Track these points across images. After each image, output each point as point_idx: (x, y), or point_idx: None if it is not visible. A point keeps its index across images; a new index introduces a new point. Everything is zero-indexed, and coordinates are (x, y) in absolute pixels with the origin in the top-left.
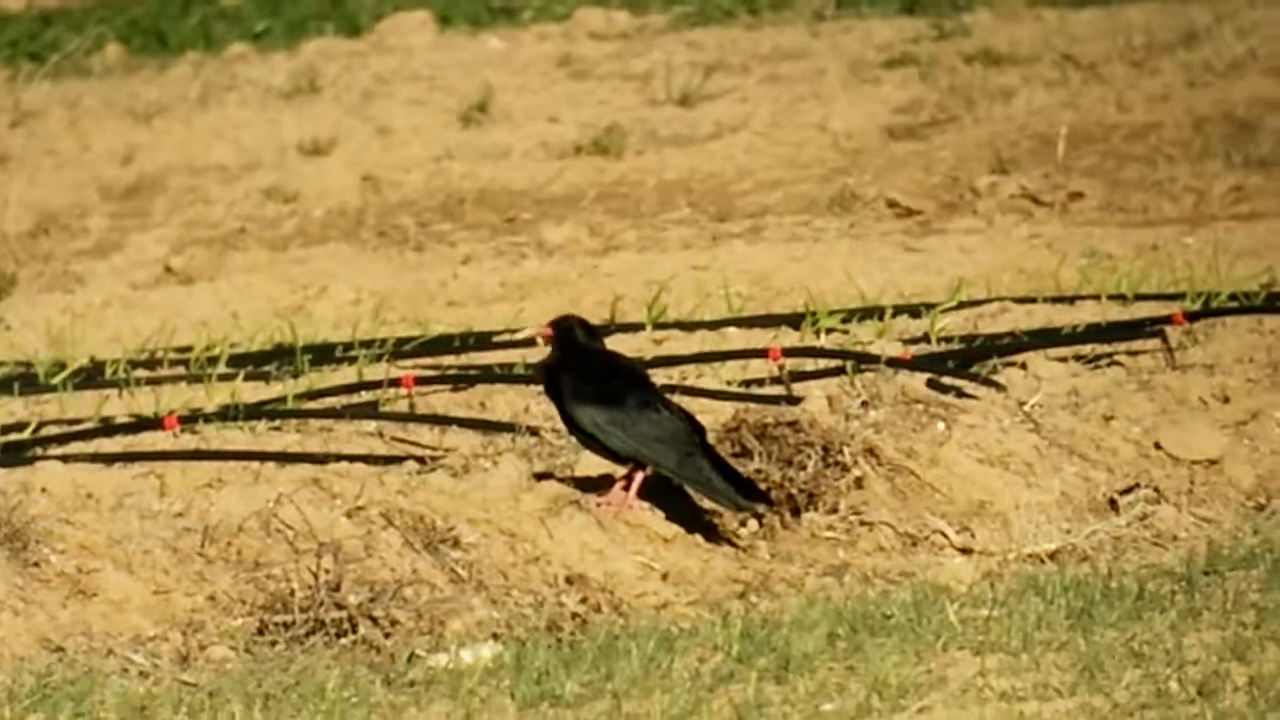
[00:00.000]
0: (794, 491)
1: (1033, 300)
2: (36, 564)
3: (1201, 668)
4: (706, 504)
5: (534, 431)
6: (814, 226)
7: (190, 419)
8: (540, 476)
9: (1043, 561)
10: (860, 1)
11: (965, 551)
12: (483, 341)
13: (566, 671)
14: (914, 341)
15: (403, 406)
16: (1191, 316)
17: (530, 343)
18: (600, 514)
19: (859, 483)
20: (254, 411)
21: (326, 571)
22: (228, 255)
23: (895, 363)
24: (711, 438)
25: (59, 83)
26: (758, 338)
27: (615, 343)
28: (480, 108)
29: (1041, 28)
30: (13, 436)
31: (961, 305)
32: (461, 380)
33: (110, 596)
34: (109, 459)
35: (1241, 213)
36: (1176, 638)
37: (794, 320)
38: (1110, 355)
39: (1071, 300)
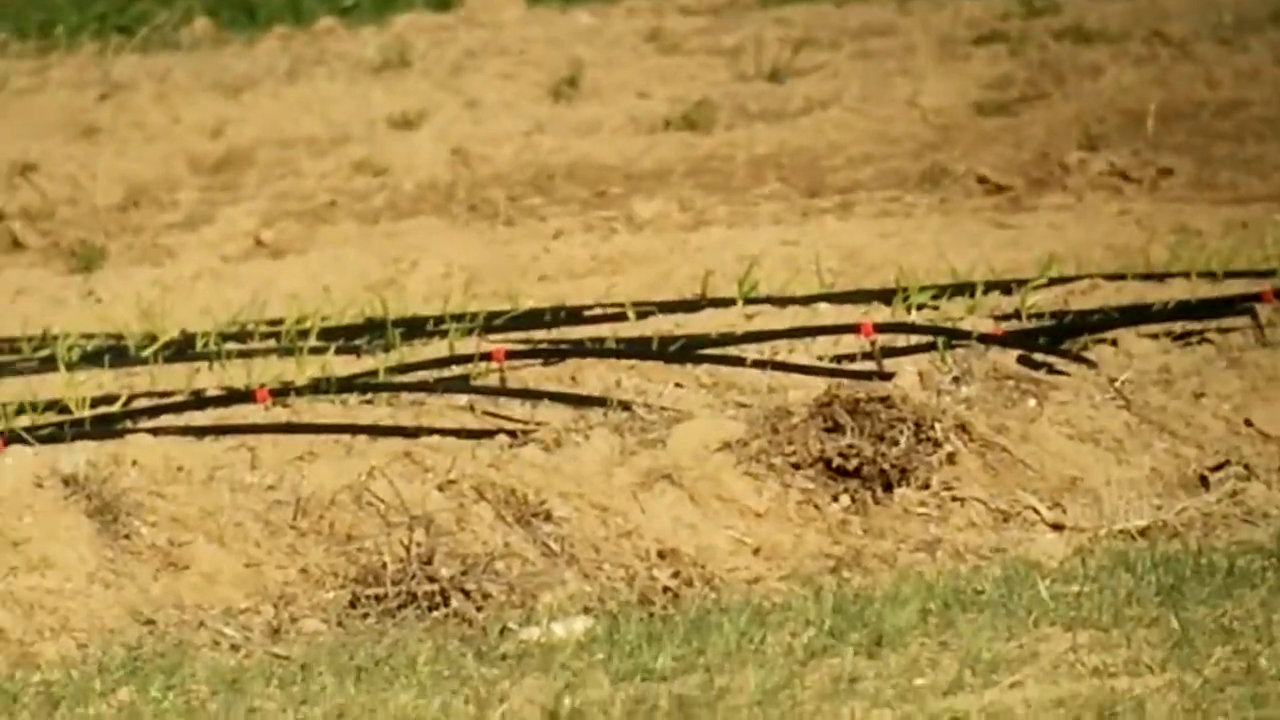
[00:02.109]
0: (886, 467)
1: (1122, 277)
2: (127, 536)
3: None
4: (799, 479)
5: (626, 406)
6: (904, 202)
7: (281, 392)
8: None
9: (1133, 538)
10: None
11: (1056, 527)
12: (574, 316)
13: (659, 645)
14: (1005, 318)
15: (494, 380)
16: None
17: (621, 316)
18: (693, 488)
19: (951, 458)
20: (345, 385)
21: (418, 545)
22: (318, 228)
23: (986, 339)
24: (803, 413)
25: (147, 56)
26: (849, 313)
27: (706, 319)
28: (570, 82)
29: (1131, 5)
30: (103, 409)
31: (1052, 282)
32: (553, 354)
33: (201, 569)
34: (200, 432)
35: None
36: (1266, 614)
37: (885, 296)
38: (1200, 332)
39: (1161, 277)
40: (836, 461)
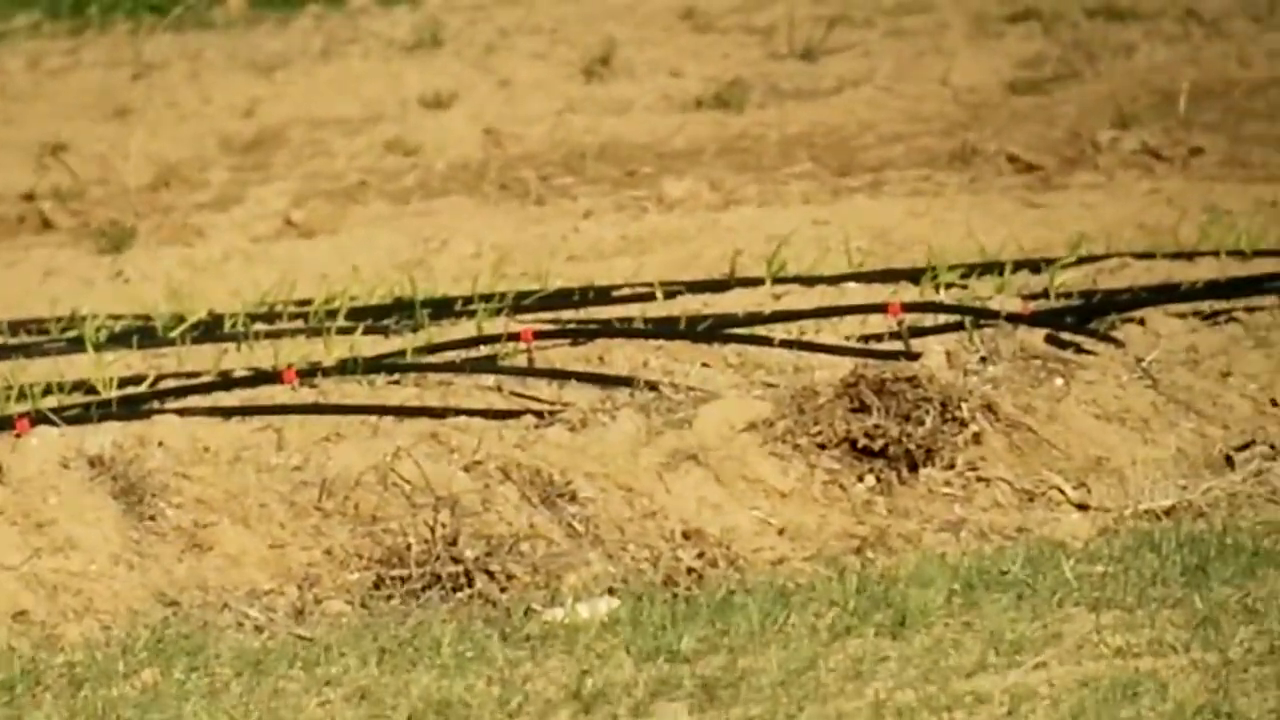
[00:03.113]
0: (911, 447)
1: (1152, 256)
2: (152, 517)
3: None
4: (825, 459)
5: (653, 386)
6: (935, 181)
7: (309, 373)
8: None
9: (1158, 518)
10: None
11: (1081, 507)
12: (602, 296)
13: (683, 626)
14: (1033, 297)
15: (521, 361)
16: None
17: (650, 296)
18: (718, 468)
19: (976, 438)
20: (373, 365)
21: (443, 525)
22: (349, 208)
23: (1014, 318)
24: (830, 393)
25: (180, 35)
26: (877, 293)
27: (734, 299)
28: (602, 61)
29: None
30: (130, 390)
31: (1081, 261)
32: (580, 334)
33: (226, 550)
34: (226, 412)
35: None
36: None
37: (914, 275)
38: (1229, 312)
39: (1190, 256)
40: (862, 442)
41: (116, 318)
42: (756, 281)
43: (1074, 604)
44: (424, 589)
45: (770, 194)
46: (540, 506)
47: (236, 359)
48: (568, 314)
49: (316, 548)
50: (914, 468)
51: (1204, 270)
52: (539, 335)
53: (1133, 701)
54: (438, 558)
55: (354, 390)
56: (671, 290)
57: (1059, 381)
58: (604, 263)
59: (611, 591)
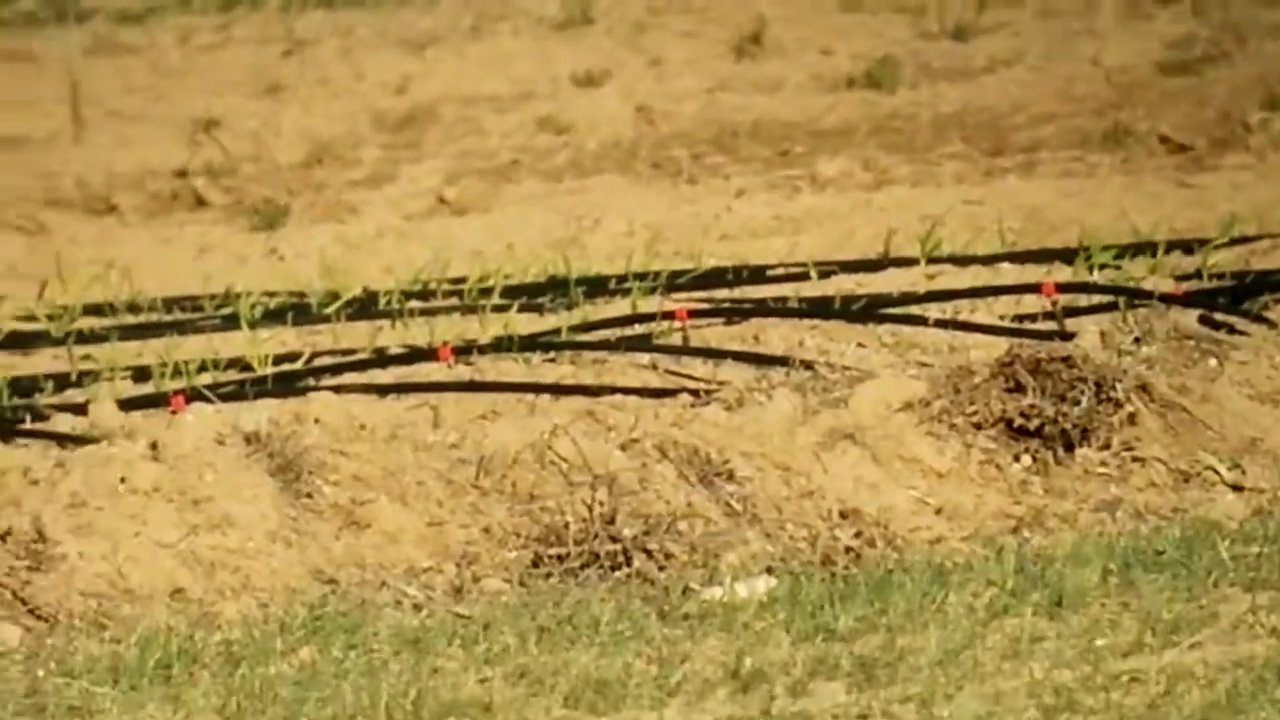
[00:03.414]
0: (1067, 427)
1: None
2: (309, 495)
3: None
4: (981, 439)
5: (808, 365)
6: (1087, 162)
7: (464, 350)
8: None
9: None
10: None
11: (1236, 488)
12: (756, 275)
13: (841, 605)
14: (1186, 278)
15: (676, 339)
16: None
17: (804, 276)
18: (875, 448)
19: (1131, 419)
20: (528, 343)
21: (601, 504)
22: (501, 186)
23: (1168, 299)
24: (985, 373)
25: (332, 12)
26: (1031, 273)
27: (889, 278)
28: (753, 39)
29: None
30: (285, 367)
31: (1233, 241)
32: (735, 313)
33: (384, 528)
34: (382, 390)
35: None
36: None
37: (1067, 256)
38: None
39: None
40: (1018, 421)
41: (271, 295)
42: (910, 261)
43: (1229, 584)
44: (582, 567)
45: (923, 174)
46: (698, 485)
47: (391, 336)
48: (722, 293)
49: (474, 525)
50: (1069, 448)
51: None
52: (693, 314)
53: None
54: (596, 536)
55: (509, 368)
56: (826, 270)
57: (1212, 362)
58: (757, 242)
59: (769, 570)
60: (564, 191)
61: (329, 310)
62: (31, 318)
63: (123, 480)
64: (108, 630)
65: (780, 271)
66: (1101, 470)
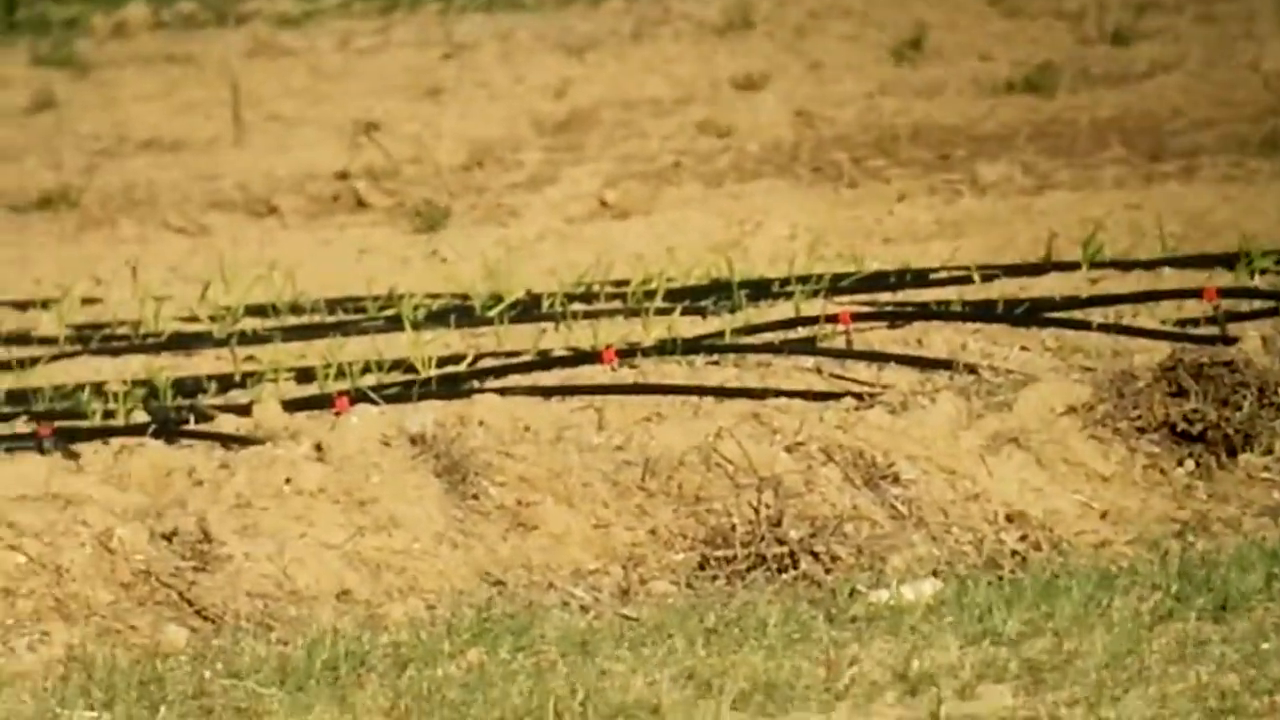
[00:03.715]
0: (1230, 432)
1: None
2: (475, 496)
3: None
4: (1144, 443)
5: (971, 369)
6: (1246, 167)
7: (628, 353)
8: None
9: None
10: None
11: None
12: (919, 278)
13: (1007, 609)
14: None
15: (839, 342)
16: None
17: (966, 280)
18: (1039, 451)
19: None
20: (692, 346)
21: (767, 506)
22: (662, 189)
23: None
24: (1148, 377)
25: (491, 15)
26: (1191, 278)
27: (1051, 282)
28: (913, 44)
29: None
30: (449, 369)
31: None
32: (898, 317)
33: (550, 530)
34: (547, 392)
35: None
36: None
37: (1228, 261)
38: None
39: None
40: (1181, 426)
41: (434, 296)
42: (1072, 265)
43: None
44: (749, 570)
45: (1083, 178)
46: (863, 488)
47: (555, 339)
48: (884, 296)
49: (641, 528)
50: (1232, 452)
51: None
52: (857, 317)
53: None
54: (762, 538)
55: (673, 370)
56: (988, 273)
57: None
58: (918, 245)
59: (935, 573)
60: (725, 195)
61: (492, 312)
62: (194, 319)
63: (288, 481)
64: (274, 631)
65: (943, 275)
66: (1265, 475)
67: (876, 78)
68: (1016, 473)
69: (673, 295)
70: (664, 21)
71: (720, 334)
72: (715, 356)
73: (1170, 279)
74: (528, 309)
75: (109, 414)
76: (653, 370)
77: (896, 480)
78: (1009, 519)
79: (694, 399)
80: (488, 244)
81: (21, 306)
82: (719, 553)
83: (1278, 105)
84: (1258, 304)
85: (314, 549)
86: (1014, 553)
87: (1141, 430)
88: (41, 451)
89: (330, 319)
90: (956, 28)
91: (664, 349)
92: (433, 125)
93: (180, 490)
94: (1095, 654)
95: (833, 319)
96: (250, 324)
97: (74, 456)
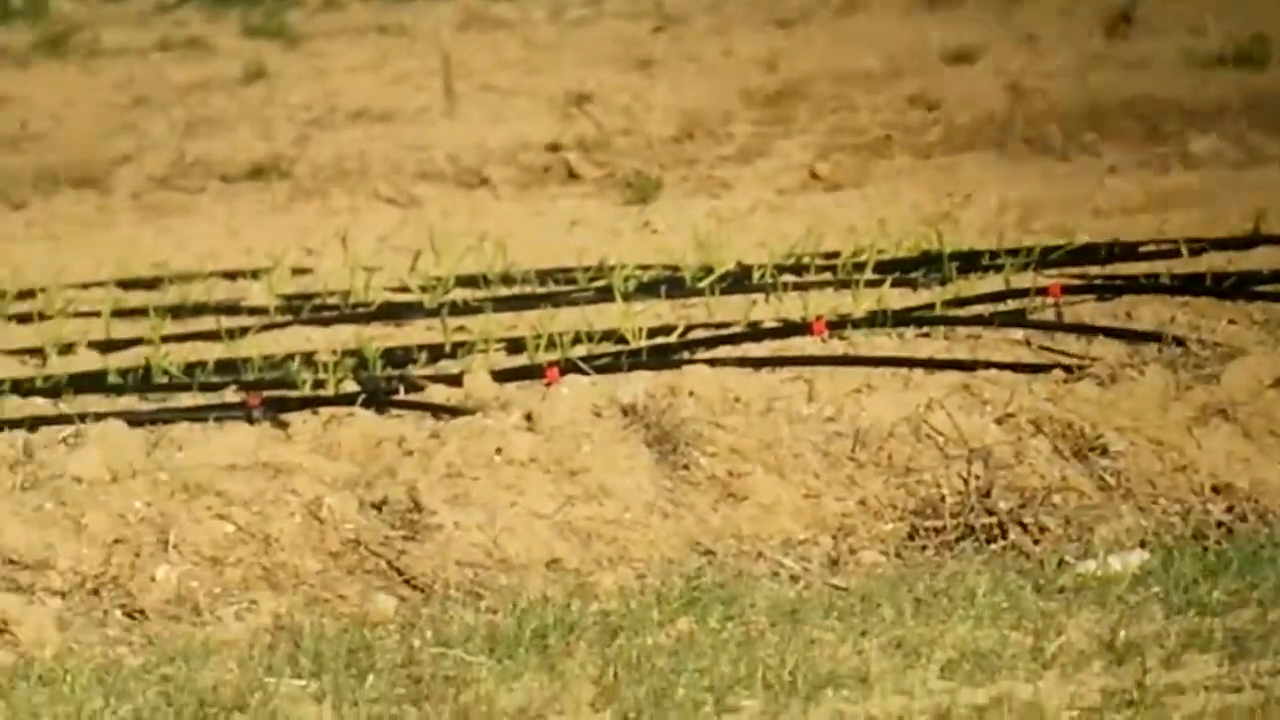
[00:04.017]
0: None
1: None
2: (686, 467)
3: None
4: None
5: (1179, 341)
6: None
7: (838, 324)
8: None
9: None
10: None
11: None
12: (1128, 251)
13: (1213, 580)
14: None
15: (1049, 315)
16: None
17: (1175, 253)
18: (1247, 424)
19: None
20: (902, 318)
21: (976, 478)
22: (873, 162)
23: None
24: None
25: None
26: None
27: (1260, 256)
28: (1124, 18)
29: None
30: (659, 340)
31: None
32: (1107, 290)
33: (760, 500)
34: (757, 363)
35: None
36: None
37: None
38: None
39: None
40: None
41: (644, 268)
42: None
43: None
44: (958, 540)
45: None
46: (1071, 460)
47: (765, 310)
48: (1093, 269)
49: (850, 498)
50: None
51: None
52: (1066, 290)
53: None
54: (971, 509)
55: (883, 342)
56: (1196, 247)
57: None
58: (1128, 218)
59: (1143, 544)
60: (935, 167)
61: (703, 284)
62: (404, 289)
63: (498, 451)
64: (484, 600)
65: (1151, 248)
66: None
67: (1088, 50)
68: (1223, 444)
69: (883, 267)
70: None
71: (930, 306)
72: (925, 328)
73: None
74: (738, 280)
75: (318, 384)
76: (863, 342)
77: (1105, 452)
78: (1215, 490)
79: (904, 370)
80: (698, 215)
81: (232, 276)
82: (928, 523)
83: None
84: None
85: (524, 518)
86: (1220, 524)
87: None
88: (250, 421)
89: (541, 290)
90: (1168, 1)
91: (874, 320)
92: (644, 97)
93: (390, 460)
94: None
95: (1043, 291)
96: (461, 294)
97: (283, 426)
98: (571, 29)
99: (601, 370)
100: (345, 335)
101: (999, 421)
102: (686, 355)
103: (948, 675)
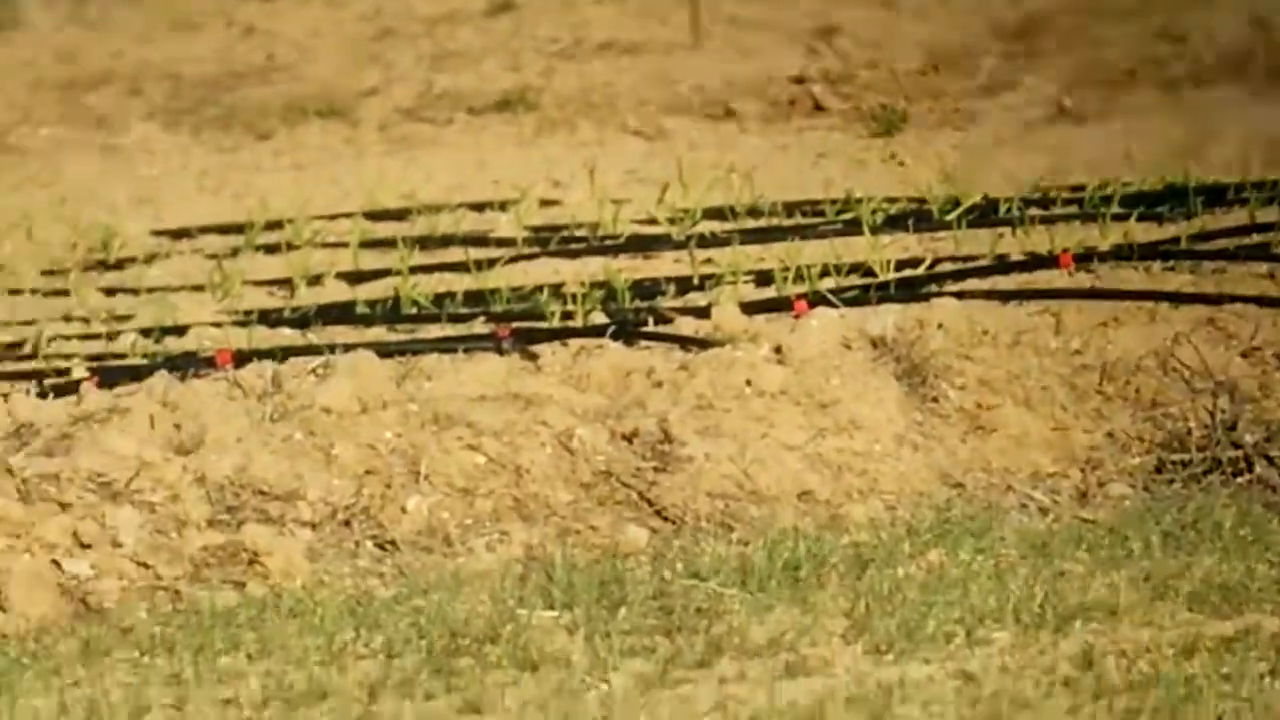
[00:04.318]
0: None
1: None
2: (935, 399)
3: None
4: None
5: None
6: None
7: (1084, 258)
8: None
9: None
10: None
11: None
12: None
13: None
14: None
15: None
16: None
17: None
18: None
19: None
20: (1148, 251)
21: (1223, 411)
22: (1119, 95)
23: None
24: None
25: None
26: None
27: None
28: None
29: None
30: (907, 273)
31: None
32: None
33: (1009, 432)
34: (1004, 296)
35: None
36: None
37: None
38: None
39: None
40: None
41: (891, 200)
42: None
43: None
44: (1204, 473)
45: None
46: None
47: (1011, 243)
48: None
49: (1098, 431)
50: None
51: None
52: None
53: None
54: (1218, 443)
55: (1129, 276)
56: None
57: None
58: None
59: None
60: (1181, 102)
61: (950, 216)
62: (652, 221)
63: (748, 383)
64: (735, 532)
65: None
66: None
67: None
68: None
69: (1129, 201)
70: None
71: (1176, 240)
72: (1171, 262)
73: None
74: (984, 213)
75: (567, 315)
76: (1109, 275)
77: None
78: None
79: (1150, 304)
80: (944, 148)
81: (479, 208)
82: (1175, 456)
83: None
84: None
85: (775, 450)
86: None
87: None
88: (500, 352)
89: (788, 222)
90: None
91: (1120, 254)
92: (889, 30)
93: (639, 391)
94: None
95: None
96: (708, 226)
97: (532, 357)
98: None
99: (849, 303)
100: (593, 267)
101: (1245, 355)
102: (934, 288)
103: (1195, 608)
